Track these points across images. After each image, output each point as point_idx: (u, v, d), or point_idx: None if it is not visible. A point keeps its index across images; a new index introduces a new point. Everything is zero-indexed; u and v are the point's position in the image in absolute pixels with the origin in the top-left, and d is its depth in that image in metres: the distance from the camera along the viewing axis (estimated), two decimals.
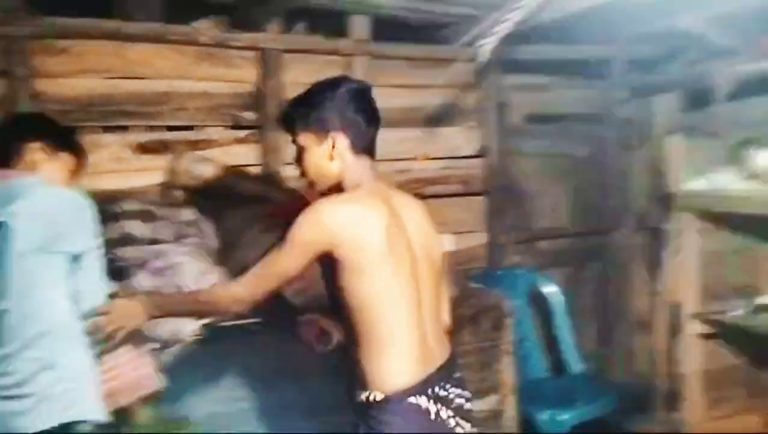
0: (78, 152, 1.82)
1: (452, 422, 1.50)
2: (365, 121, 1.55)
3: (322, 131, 1.53)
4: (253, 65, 2.62)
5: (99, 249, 1.65)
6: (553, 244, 3.46)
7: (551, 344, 3.09)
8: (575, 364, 3.02)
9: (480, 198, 3.18)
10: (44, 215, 1.57)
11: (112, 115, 2.40)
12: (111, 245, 2.02)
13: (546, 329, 3.11)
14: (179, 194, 2.50)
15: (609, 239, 3.58)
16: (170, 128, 2.54)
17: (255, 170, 2.67)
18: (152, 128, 2.51)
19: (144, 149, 2.48)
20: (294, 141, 1.58)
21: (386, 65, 2.90)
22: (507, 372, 2.56)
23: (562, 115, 3.47)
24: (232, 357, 2.20)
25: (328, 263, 1.47)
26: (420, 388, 1.44)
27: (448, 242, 2.55)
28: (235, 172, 2.60)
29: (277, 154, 2.69)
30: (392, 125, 2.92)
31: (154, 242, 2.26)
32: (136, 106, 2.44)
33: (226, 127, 2.64)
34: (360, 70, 2.80)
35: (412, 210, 1.61)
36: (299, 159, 1.58)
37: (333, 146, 1.52)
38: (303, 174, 1.60)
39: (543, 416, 2.68)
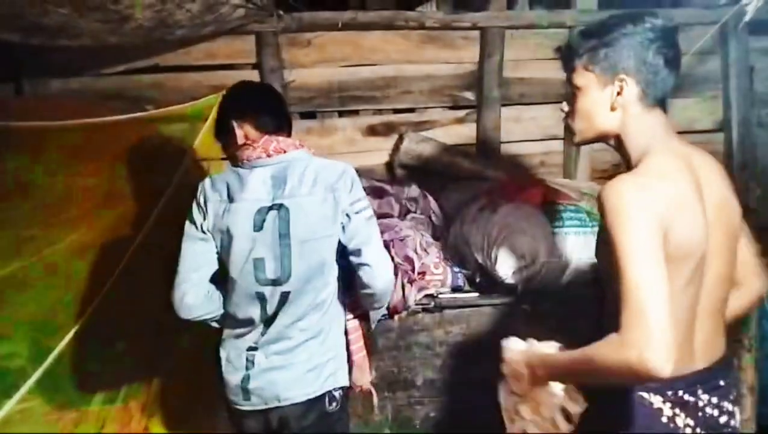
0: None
1: (689, 431, 1.28)
2: (667, 66, 1.27)
3: (610, 72, 1.29)
4: (476, 45, 2.65)
5: (368, 212, 1.63)
6: None
7: None
8: None
9: None
10: (320, 196, 1.57)
11: (347, 100, 2.63)
12: None
13: None
14: (402, 172, 2.66)
15: None
16: (396, 111, 2.70)
17: (473, 149, 2.72)
18: (380, 112, 2.69)
19: (372, 131, 2.67)
20: (569, 78, 1.35)
21: None
22: (746, 370, 2.33)
23: None
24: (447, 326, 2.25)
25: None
26: (659, 387, 1.26)
27: None
28: (453, 151, 2.68)
29: (495, 132, 2.71)
30: None
31: (382, 216, 2.44)
32: (367, 91, 2.63)
33: (447, 108, 2.72)
34: None
35: (713, 176, 1.30)
36: (572, 100, 1.35)
37: (619, 93, 1.28)
38: (568, 117, 1.37)
39: None
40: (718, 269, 1.28)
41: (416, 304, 2.20)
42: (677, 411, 1.27)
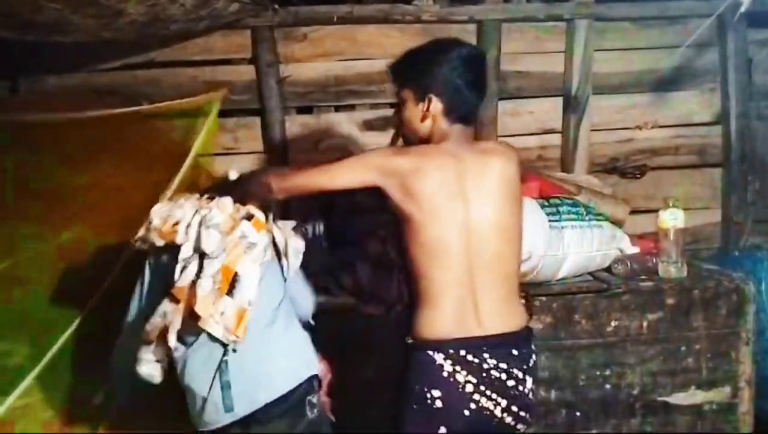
0: None
1: (470, 388, 1.50)
2: (468, 89, 1.58)
3: (421, 91, 1.59)
4: (473, 38, 2.62)
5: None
6: None
7: None
8: None
9: (716, 170, 2.88)
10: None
11: (343, 95, 2.62)
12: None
13: None
14: None
15: None
16: (392, 105, 2.67)
17: None
18: (376, 106, 2.68)
19: (369, 126, 2.66)
20: (397, 93, 1.67)
21: (610, 28, 2.73)
22: (744, 363, 2.32)
23: None
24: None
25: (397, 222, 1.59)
26: (439, 345, 1.51)
27: (679, 218, 2.33)
28: None
29: (492, 126, 2.70)
30: (616, 90, 2.79)
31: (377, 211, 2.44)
32: (364, 85, 2.63)
33: None
34: (581, 34, 2.67)
35: (492, 171, 1.59)
36: (398, 110, 1.69)
37: (427, 108, 1.58)
38: (397, 125, 1.72)
39: None
40: (492, 247, 1.56)
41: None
42: (458, 368, 1.50)
